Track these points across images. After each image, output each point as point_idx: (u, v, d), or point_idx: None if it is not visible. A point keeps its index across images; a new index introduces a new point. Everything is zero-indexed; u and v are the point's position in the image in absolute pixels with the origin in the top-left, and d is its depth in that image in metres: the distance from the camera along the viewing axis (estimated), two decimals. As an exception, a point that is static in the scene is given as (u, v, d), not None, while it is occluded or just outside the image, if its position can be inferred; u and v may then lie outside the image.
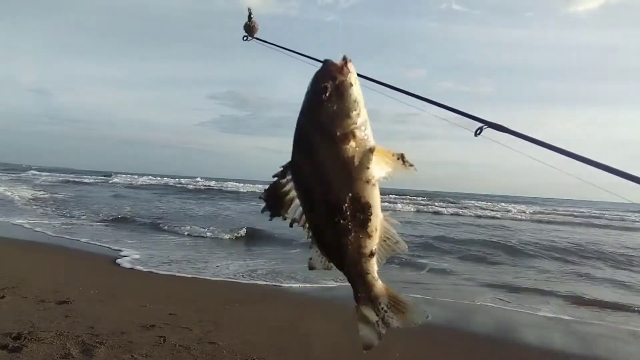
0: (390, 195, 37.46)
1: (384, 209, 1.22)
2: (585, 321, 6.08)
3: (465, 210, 26.77)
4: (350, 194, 1.13)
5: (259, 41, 2.53)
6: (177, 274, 7.32)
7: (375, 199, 1.18)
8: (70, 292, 5.40)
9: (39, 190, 24.71)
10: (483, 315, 6.16)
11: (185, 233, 12.19)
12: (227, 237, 11.60)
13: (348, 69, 1.07)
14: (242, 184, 43.03)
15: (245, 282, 7.10)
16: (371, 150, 1.11)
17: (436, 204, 30.81)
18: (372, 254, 1.26)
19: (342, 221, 1.15)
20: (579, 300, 6.97)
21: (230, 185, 41.59)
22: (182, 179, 49.47)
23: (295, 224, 1.21)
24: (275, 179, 1.18)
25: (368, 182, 1.14)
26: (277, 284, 7.02)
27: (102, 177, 46.86)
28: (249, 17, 2.56)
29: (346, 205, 1.14)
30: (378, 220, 1.22)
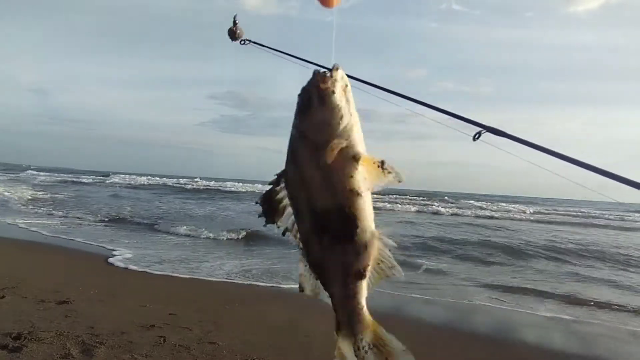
0: (390, 195, 37.46)
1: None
2: (585, 321, 6.09)
3: (464, 211, 26.76)
4: (334, 205, 1.09)
5: (256, 44, 2.53)
6: (177, 275, 7.32)
7: (362, 211, 1.12)
8: (70, 292, 5.40)
9: (37, 190, 24.62)
10: (483, 315, 6.16)
11: (184, 233, 12.16)
12: (227, 238, 11.60)
13: (332, 77, 1.06)
14: (242, 184, 43.03)
15: (245, 282, 7.10)
16: (355, 158, 1.06)
17: (436, 204, 30.81)
18: (359, 275, 1.18)
19: (325, 233, 1.12)
20: (578, 300, 6.98)
21: (230, 185, 41.59)
22: (181, 179, 49.52)
23: (287, 233, 1.20)
24: (271, 186, 1.18)
25: (352, 191, 1.08)
26: (277, 284, 7.02)
27: (101, 177, 46.72)
28: (234, 23, 2.58)
29: (330, 216, 1.10)
30: (367, 235, 1.15)
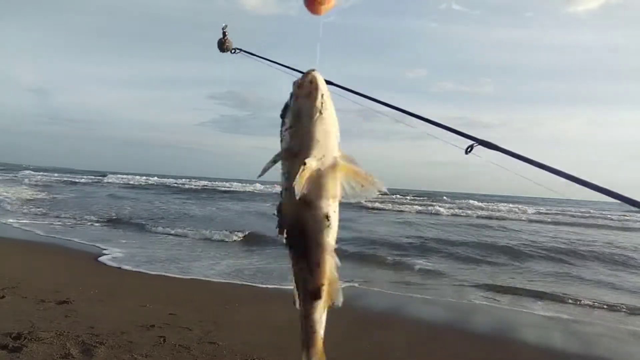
0: (390, 196, 37.45)
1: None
2: (585, 321, 6.09)
3: (464, 211, 26.74)
4: (293, 218, 1.09)
5: (247, 54, 2.55)
6: (177, 275, 7.33)
7: (311, 224, 1.10)
8: (70, 292, 5.40)
9: (31, 190, 24.59)
10: (483, 315, 6.16)
11: (184, 233, 12.13)
12: (227, 238, 11.59)
13: (297, 86, 1.08)
14: (242, 184, 42.98)
15: (245, 282, 7.10)
16: (303, 166, 1.03)
17: (435, 204, 30.80)
18: (313, 295, 1.16)
19: (291, 248, 1.13)
20: (578, 300, 6.98)
21: (230, 186, 41.55)
22: (181, 179, 49.50)
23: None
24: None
25: (305, 203, 1.07)
26: (277, 284, 7.02)
27: (99, 177, 46.58)
28: (223, 34, 2.58)
29: (292, 229, 1.11)
30: (319, 252, 1.12)
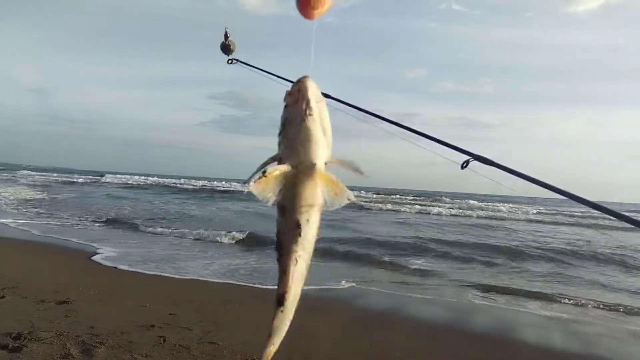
0: (390, 196, 37.49)
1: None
2: (585, 321, 6.09)
3: (464, 211, 26.75)
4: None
5: (244, 65, 2.54)
6: (176, 275, 7.33)
7: (283, 230, 1.11)
8: (70, 292, 5.40)
9: (27, 190, 24.51)
10: (483, 314, 6.17)
11: (182, 234, 12.10)
12: (227, 238, 11.58)
13: (287, 94, 1.09)
14: (241, 184, 42.89)
15: (245, 283, 7.10)
16: (263, 173, 1.05)
17: (435, 204, 30.81)
18: (277, 301, 1.19)
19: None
20: (578, 301, 6.98)
21: (230, 185, 41.50)
22: (181, 179, 49.48)
23: None
24: None
25: (280, 209, 1.10)
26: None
27: (97, 177, 46.48)
28: (225, 37, 2.55)
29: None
30: (286, 260, 1.13)
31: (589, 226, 22.07)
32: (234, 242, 11.24)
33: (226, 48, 2.55)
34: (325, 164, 1.07)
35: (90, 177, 46.63)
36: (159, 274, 7.31)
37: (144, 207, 19.60)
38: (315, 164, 1.05)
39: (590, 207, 1.43)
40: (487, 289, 7.48)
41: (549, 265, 10.42)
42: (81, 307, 4.86)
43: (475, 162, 1.54)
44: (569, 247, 12.93)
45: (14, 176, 39.81)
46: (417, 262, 9.74)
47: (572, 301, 6.96)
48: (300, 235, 1.10)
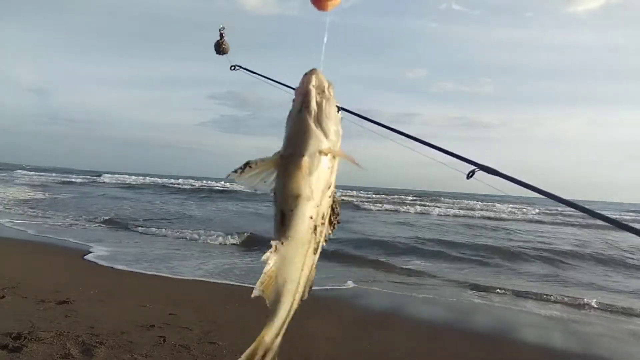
0: (391, 196, 37.47)
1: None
2: (585, 321, 6.09)
3: (464, 211, 26.73)
4: None
5: (247, 72, 2.51)
6: (176, 275, 7.33)
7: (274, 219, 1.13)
8: (70, 292, 5.40)
9: (22, 190, 24.45)
10: (483, 314, 6.17)
11: (184, 234, 12.09)
12: (227, 239, 11.59)
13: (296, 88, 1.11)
14: (241, 185, 42.84)
15: (245, 283, 7.10)
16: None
17: (435, 204, 30.80)
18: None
19: None
20: (577, 301, 6.98)
21: (230, 186, 41.45)
22: (181, 179, 49.41)
23: None
24: None
25: (273, 195, 1.12)
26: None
27: (94, 177, 46.32)
28: (221, 36, 2.51)
29: None
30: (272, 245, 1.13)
31: (588, 226, 22.06)
32: (233, 242, 11.23)
33: (218, 47, 2.51)
34: (325, 154, 1.08)
35: (88, 177, 46.50)
36: (159, 274, 7.30)
37: (143, 207, 19.60)
38: (303, 155, 1.05)
39: (611, 223, 1.44)
40: (487, 289, 7.48)
41: (548, 265, 10.43)
42: (81, 307, 4.86)
43: (481, 171, 1.56)
44: (568, 248, 12.93)
45: (11, 176, 39.74)
46: (417, 263, 9.75)
47: (572, 301, 6.96)
48: (283, 224, 1.10)
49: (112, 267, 7.51)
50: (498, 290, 7.38)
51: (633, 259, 11.45)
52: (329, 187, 1.12)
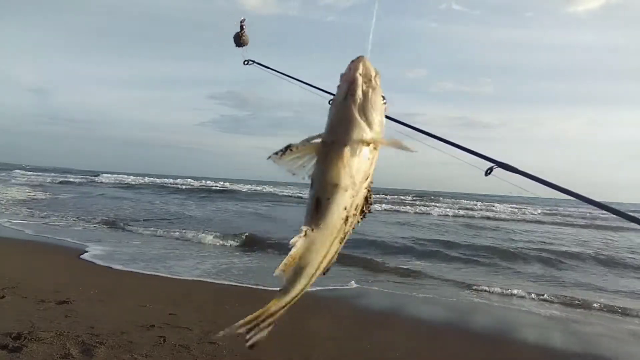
0: (391, 196, 37.45)
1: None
2: (585, 321, 6.10)
3: (464, 211, 26.73)
4: None
5: (261, 66, 2.48)
6: (176, 276, 7.33)
7: (307, 205, 1.12)
8: (70, 292, 5.40)
9: (17, 190, 24.39)
10: (483, 314, 6.17)
11: (183, 235, 12.07)
12: (227, 239, 11.58)
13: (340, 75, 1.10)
14: (242, 185, 42.93)
15: (245, 283, 7.10)
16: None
17: (436, 204, 30.81)
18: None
19: None
20: (577, 301, 6.98)
21: (230, 186, 41.48)
22: (181, 179, 49.40)
23: None
24: None
25: (310, 180, 1.10)
26: (276, 286, 7.02)
27: (92, 177, 46.26)
28: (241, 27, 2.50)
29: None
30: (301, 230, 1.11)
31: (588, 227, 22.07)
32: (233, 242, 11.22)
33: (238, 39, 2.49)
34: (367, 145, 1.06)
35: (86, 177, 46.41)
36: (159, 274, 7.31)
37: (142, 207, 19.58)
38: (345, 145, 1.04)
39: (624, 218, 1.44)
40: (487, 289, 7.48)
41: (548, 265, 10.42)
42: (81, 307, 4.86)
43: (499, 169, 1.56)
44: (568, 248, 12.93)
45: (9, 176, 39.68)
46: (417, 263, 9.75)
47: (571, 301, 6.97)
48: (317, 211, 1.08)
49: (110, 267, 7.51)
50: (498, 290, 7.38)
51: (633, 259, 11.46)
52: (367, 179, 1.10)
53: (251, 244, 10.96)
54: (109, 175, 48.90)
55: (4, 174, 42.05)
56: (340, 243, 1.14)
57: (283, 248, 10.49)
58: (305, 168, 1.09)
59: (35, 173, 48.58)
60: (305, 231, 1.08)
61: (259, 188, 39.87)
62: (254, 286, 6.85)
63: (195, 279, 7.12)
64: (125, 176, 47.34)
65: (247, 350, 4.32)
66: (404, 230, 16.08)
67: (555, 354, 4.81)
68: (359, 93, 1.04)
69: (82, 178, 43.47)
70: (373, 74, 1.07)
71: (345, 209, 1.08)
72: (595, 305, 6.79)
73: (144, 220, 14.73)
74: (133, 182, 40.80)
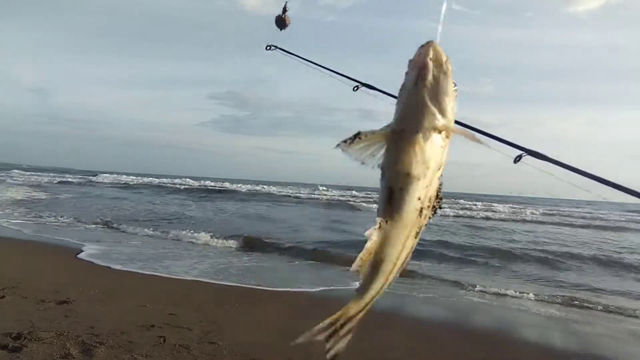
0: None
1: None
2: (585, 321, 6.10)
3: (465, 211, 26.72)
4: None
5: (283, 52, 2.46)
6: (176, 276, 7.32)
7: (379, 197, 1.06)
8: (70, 292, 5.39)
9: (13, 190, 24.40)
10: (483, 315, 6.17)
11: (183, 236, 12.05)
12: (227, 239, 11.57)
13: (409, 61, 1.07)
14: (242, 185, 42.92)
15: (245, 284, 7.10)
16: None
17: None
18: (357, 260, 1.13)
19: None
20: (577, 301, 6.99)
21: (230, 186, 41.45)
22: (181, 179, 49.38)
23: None
24: None
25: (381, 170, 1.05)
26: (276, 286, 7.03)
27: (90, 177, 46.20)
28: (284, 10, 2.49)
29: None
30: (375, 223, 1.08)
31: (588, 227, 22.08)
32: (233, 243, 11.21)
33: (281, 22, 2.48)
34: (439, 132, 1.02)
35: (84, 176, 46.30)
36: (159, 274, 7.30)
37: (141, 207, 19.57)
38: (417, 132, 1.00)
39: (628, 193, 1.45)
40: (487, 289, 7.48)
41: (548, 265, 10.43)
42: (81, 307, 4.86)
43: (528, 156, 1.55)
44: (568, 248, 12.94)
45: (7, 176, 39.61)
46: (416, 263, 9.74)
47: (571, 301, 6.97)
48: (391, 202, 1.04)
49: (110, 267, 7.51)
50: (498, 291, 7.38)
51: (632, 259, 11.46)
52: (439, 168, 1.05)
53: (250, 244, 10.96)
54: (108, 175, 48.83)
55: (3, 174, 42.02)
56: (415, 237, 1.09)
57: (283, 248, 10.51)
58: (375, 157, 1.04)
59: (33, 173, 48.53)
60: (380, 223, 1.05)
61: (258, 188, 39.85)
62: (254, 286, 6.85)
63: (194, 279, 7.12)
64: (125, 176, 47.29)
65: (247, 350, 4.33)
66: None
67: (555, 354, 4.81)
68: (430, 78, 1.01)
69: (80, 178, 43.41)
70: (444, 58, 1.03)
71: (419, 199, 1.05)
72: (595, 305, 6.79)
73: (143, 220, 14.71)
74: (132, 182, 40.72)
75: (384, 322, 5.62)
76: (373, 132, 1.03)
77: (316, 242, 11.50)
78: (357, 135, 1.02)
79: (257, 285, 6.87)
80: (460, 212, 26.09)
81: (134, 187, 35.55)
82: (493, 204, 31.74)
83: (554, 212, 29.59)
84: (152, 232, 12.13)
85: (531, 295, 7.18)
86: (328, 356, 1.19)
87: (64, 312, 4.59)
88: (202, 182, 45.41)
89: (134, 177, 46.32)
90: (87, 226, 12.78)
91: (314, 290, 6.84)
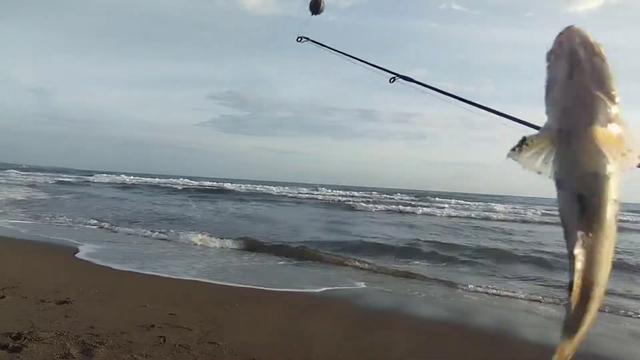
0: (391, 196, 37.46)
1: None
2: (584, 321, 6.09)
3: (464, 211, 26.71)
4: None
5: (315, 43, 2.43)
6: (176, 276, 7.32)
7: (562, 210, 0.95)
8: (70, 292, 5.39)
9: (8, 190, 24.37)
10: (483, 314, 6.17)
11: (180, 236, 12.01)
12: (227, 240, 11.57)
13: (548, 54, 0.96)
14: (241, 185, 42.92)
15: (244, 284, 7.10)
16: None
17: (435, 204, 30.80)
18: (569, 289, 0.97)
19: None
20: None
21: (230, 186, 41.43)
22: (180, 179, 49.37)
23: None
24: None
25: (555, 180, 0.94)
26: (276, 287, 7.03)
27: (87, 176, 46.12)
28: None
29: None
30: (572, 242, 0.94)
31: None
32: (232, 243, 11.21)
33: (316, 6, 2.45)
34: (613, 122, 0.91)
35: (82, 176, 46.21)
36: (158, 274, 7.30)
37: (140, 207, 19.57)
38: (593, 125, 0.89)
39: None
40: (487, 289, 7.48)
41: (548, 266, 10.42)
42: (81, 307, 4.86)
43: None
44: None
45: (5, 174, 39.55)
46: (416, 263, 9.75)
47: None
48: (585, 211, 0.92)
49: (109, 267, 7.51)
50: (498, 291, 7.38)
51: (632, 259, 11.46)
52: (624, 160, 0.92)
53: (250, 244, 10.95)
54: (107, 175, 48.78)
55: (2, 174, 41.99)
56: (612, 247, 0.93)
57: (282, 248, 10.50)
58: (548, 164, 0.92)
59: (32, 173, 48.48)
60: (583, 239, 0.91)
61: (258, 188, 39.86)
62: (254, 286, 6.85)
63: (194, 279, 7.12)
64: (125, 176, 47.25)
65: (247, 350, 4.35)
66: (403, 230, 16.08)
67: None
68: (587, 65, 0.89)
69: (78, 178, 43.36)
70: (592, 40, 0.90)
71: (616, 201, 0.92)
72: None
73: (142, 220, 14.71)
74: (131, 182, 40.66)
75: (384, 322, 5.62)
76: (537, 136, 0.91)
77: (316, 242, 11.51)
78: (524, 141, 0.90)
79: (257, 285, 6.87)
80: (460, 213, 26.10)
81: (134, 187, 35.52)
82: (493, 204, 31.72)
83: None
84: (151, 232, 12.11)
85: (531, 295, 7.18)
86: None
87: (64, 312, 4.59)
88: (202, 182, 45.41)
89: (134, 177, 46.26)
90: (87, 226, 12.77)
91: (314, 290, 6.84)
